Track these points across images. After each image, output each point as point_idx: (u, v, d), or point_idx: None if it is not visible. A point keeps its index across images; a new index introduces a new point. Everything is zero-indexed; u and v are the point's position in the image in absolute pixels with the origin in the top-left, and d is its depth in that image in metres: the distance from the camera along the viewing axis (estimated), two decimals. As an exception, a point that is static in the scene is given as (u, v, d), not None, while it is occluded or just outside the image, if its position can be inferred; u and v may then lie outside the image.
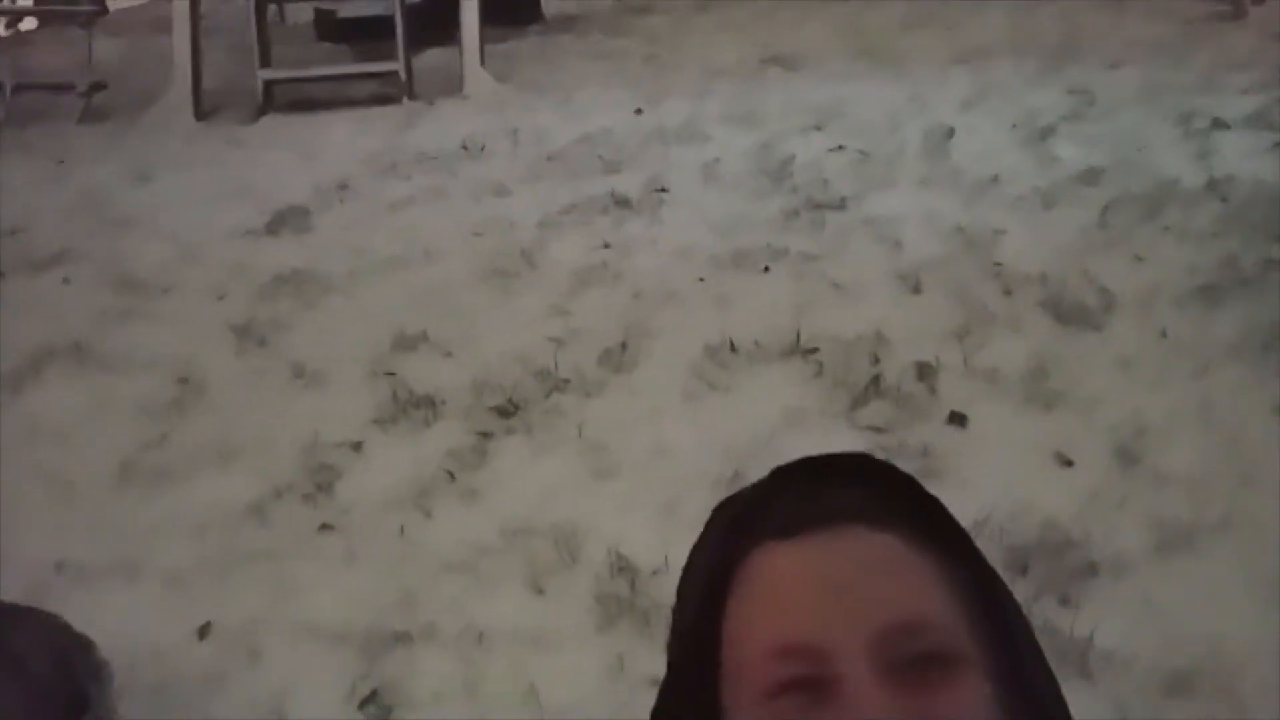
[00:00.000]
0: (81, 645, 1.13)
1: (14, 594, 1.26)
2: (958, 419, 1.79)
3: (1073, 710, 0.51)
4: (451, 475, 1.74)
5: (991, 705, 0.50)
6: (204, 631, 1.51)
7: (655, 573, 1.49)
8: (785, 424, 1.78)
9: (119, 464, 1.84)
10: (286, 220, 2.90)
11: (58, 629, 1.14)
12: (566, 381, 1.98)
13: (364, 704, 1.36)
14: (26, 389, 2.11)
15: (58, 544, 1.66)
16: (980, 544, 0.52)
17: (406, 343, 2.16)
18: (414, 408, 1.92)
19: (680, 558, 0.50)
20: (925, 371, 1.91)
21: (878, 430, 1.80)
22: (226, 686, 1.42)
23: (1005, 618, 0.53)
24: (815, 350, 2.00)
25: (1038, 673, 0.53)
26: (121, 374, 2.14)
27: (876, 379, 1.90)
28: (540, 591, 1.51)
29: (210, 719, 1.38)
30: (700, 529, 0.52)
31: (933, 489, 0.50)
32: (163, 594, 1.59)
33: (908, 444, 1.71)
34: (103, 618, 1.38)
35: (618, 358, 2.05)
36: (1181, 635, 1.34)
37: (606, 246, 2.59)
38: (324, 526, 1.67)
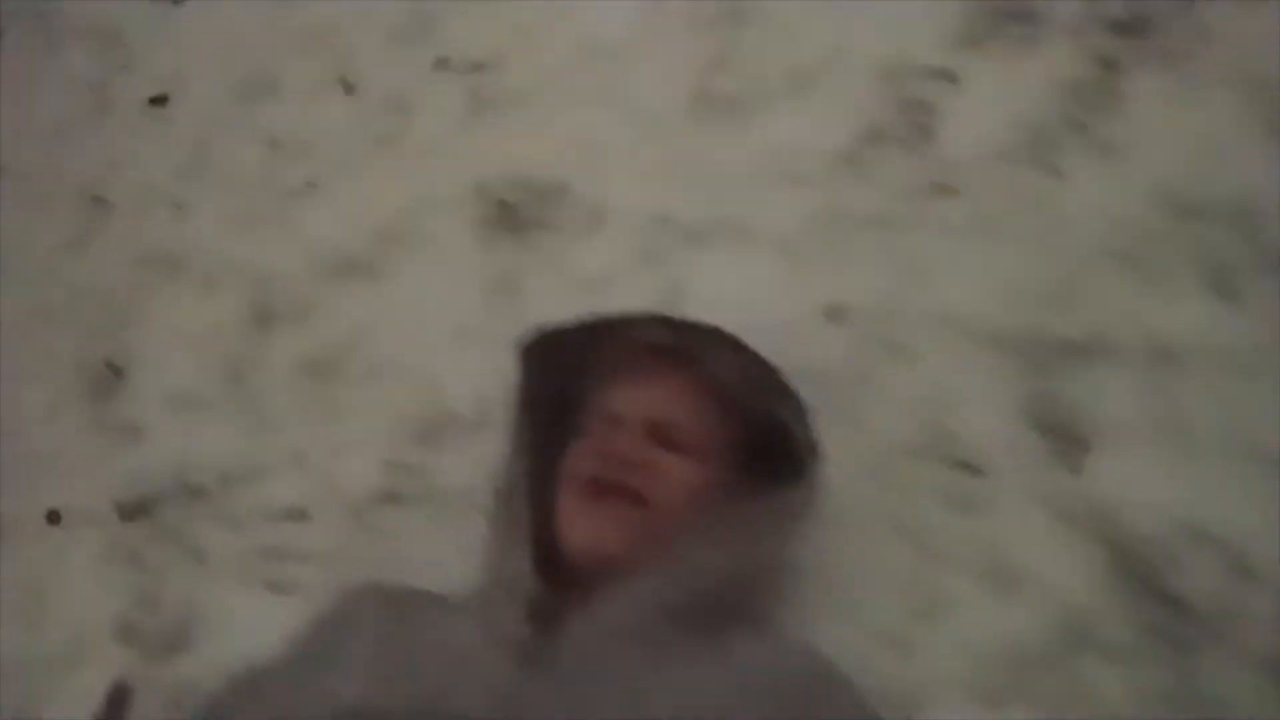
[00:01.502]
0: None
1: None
2: None
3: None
4: (1076, 122, 1.50)
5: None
6: (834, 313, 1.44)
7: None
8: None
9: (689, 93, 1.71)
10: None
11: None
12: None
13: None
14: None
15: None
16: None
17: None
18: (1012, 21, 1.64)
19: None
20: None
21: None
22: (870, 380, 1.37)
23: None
24: None
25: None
26: None
27: None
28: (1227, 295, 1.32)
29: (861, 415, 1.34)
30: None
31: None
32: (777, 261, 1.52)
33: None
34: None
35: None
36: None
37: None
38: (938, 187, 1.51)
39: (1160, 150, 1.42)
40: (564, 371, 1.25)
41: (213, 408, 1.57)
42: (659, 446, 1.11)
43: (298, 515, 1.43)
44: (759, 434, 1.16)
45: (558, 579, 1.08)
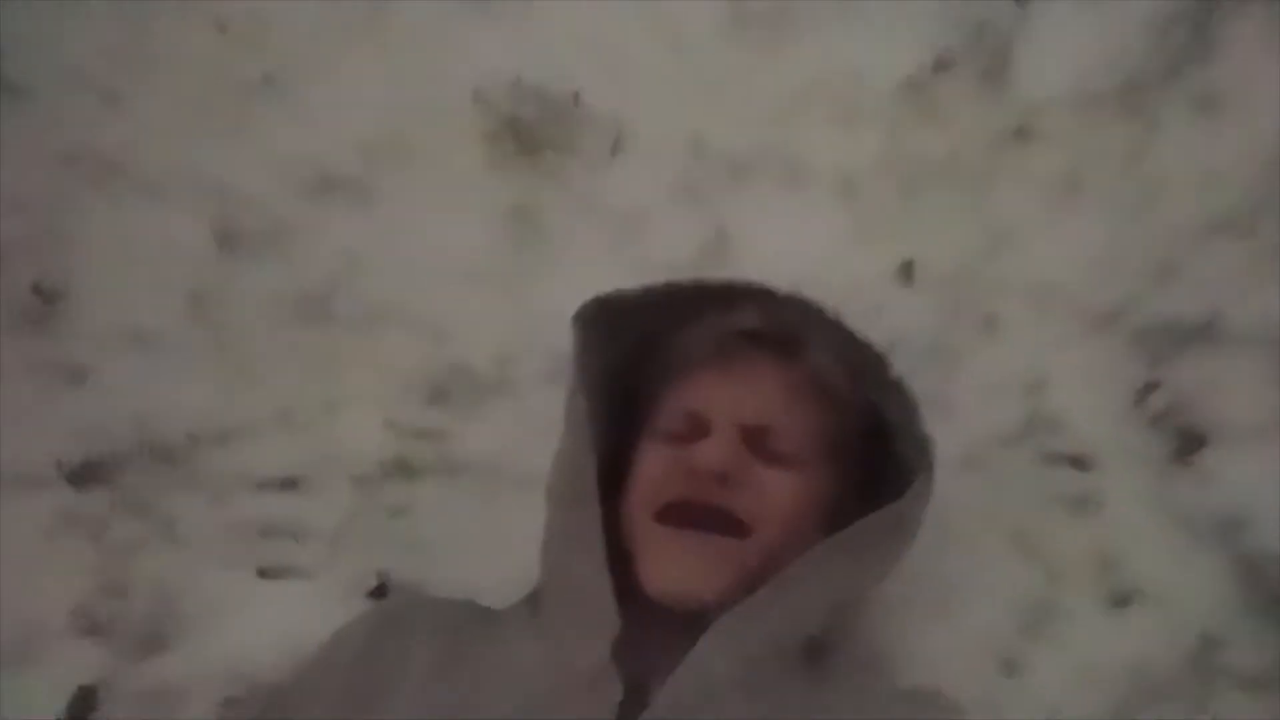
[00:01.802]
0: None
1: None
2: None
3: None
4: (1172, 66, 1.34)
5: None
6: (907, 274, 1.29)
7: None
8: None
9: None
10: None
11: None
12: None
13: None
14: None
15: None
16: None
17: None
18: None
19: None
20: None
21: None
22: (955, 357, 1.23)
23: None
24: None
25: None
26: None
27: None
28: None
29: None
30: None
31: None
32: (836, 207, 1.35)
33: None
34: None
35: None
36: None
37: None
38: (1018, 133, 1.35)
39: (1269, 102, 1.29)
40: (630, 350, 1.07)
41: (174, 348, 1.34)
42: (755, 457, 0.95)
43: (288, 485, 1.23)
44: (865, 434, 1.01)
45: (635, 602, 0.92)
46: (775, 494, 0.93)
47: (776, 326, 1.00)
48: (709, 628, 0.87)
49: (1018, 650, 1.02)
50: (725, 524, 0.91)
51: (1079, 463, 1.11)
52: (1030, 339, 1.19)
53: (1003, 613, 1.03)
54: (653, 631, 0.89)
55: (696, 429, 0.97)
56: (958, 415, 1.15)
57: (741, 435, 0.95)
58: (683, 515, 0.92)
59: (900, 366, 1.09)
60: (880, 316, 1.23)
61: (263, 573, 1.17)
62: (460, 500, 1.18)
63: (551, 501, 0.98)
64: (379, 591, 1.13)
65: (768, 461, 0.95)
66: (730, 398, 0.97)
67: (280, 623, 1.12)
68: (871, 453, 1.01)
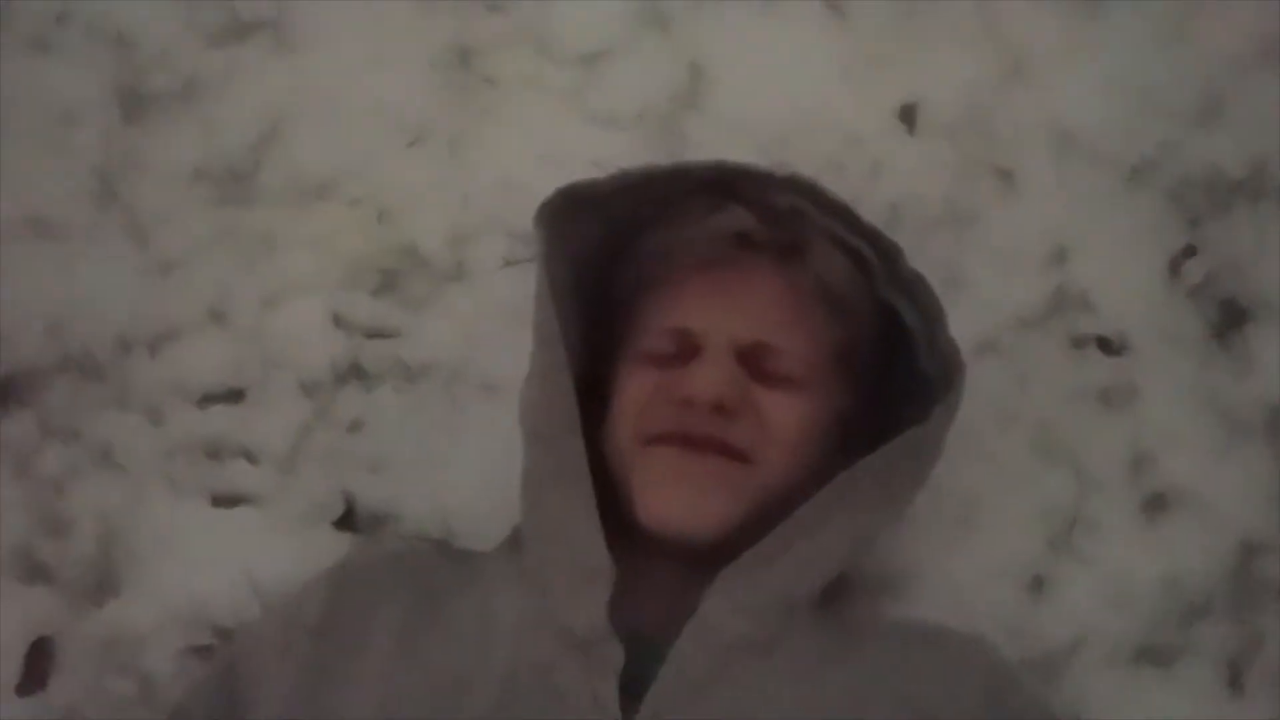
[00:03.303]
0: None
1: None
2: None
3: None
4: None
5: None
6: (909, 116, 1.13)
7: None
8: None
9: None
10: None
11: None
12: None
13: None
14: None
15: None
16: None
17: None
18: None
19: None
20: None
21: None
22: (968, 219, 1.09)
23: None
24: None
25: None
26: None
27: None
28: None
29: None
30: None
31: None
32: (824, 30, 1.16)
33: None
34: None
35: None
36: None
37: None
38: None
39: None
40: (602, 247, 0.93)
41: (83, 239, 1.18)
42: (753, 379, 0.83)
43: (233, 397, 1.11)
44: (878, 342, 0.89)
45: (629, 541, 0.83)
46: (778, 420, 0.82)
47: (774, 226, 0.86)
48: (717, 577, 0.77)
49: (1045, 566, 0.93)
50: (727, 454, 0.81)
51: (1109, 346, 1.00)
52: (1052, 198, 1.05)
53: (1028, 525, 0.94)
54: (650, 574, 0.80)
55: (685, 349, 0.85)
56: (971, 292, 1.03)
57: (737, 355, 0.83)
58: (680, 444, 0.82)
59: (904, 237, 0.96)
60: (880, 176, 1.09)
61: (216, 500, 1.07)
62: (423, 410, 1.07)
63: (527, 432, 0.86)
64: (346, 520, 1.04)
65: (768, 384, 0.83)
66: (723, 312, 0.84)
67: (240, 555, 1.03)
68: (887, 363, 0.89)
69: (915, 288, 0.88)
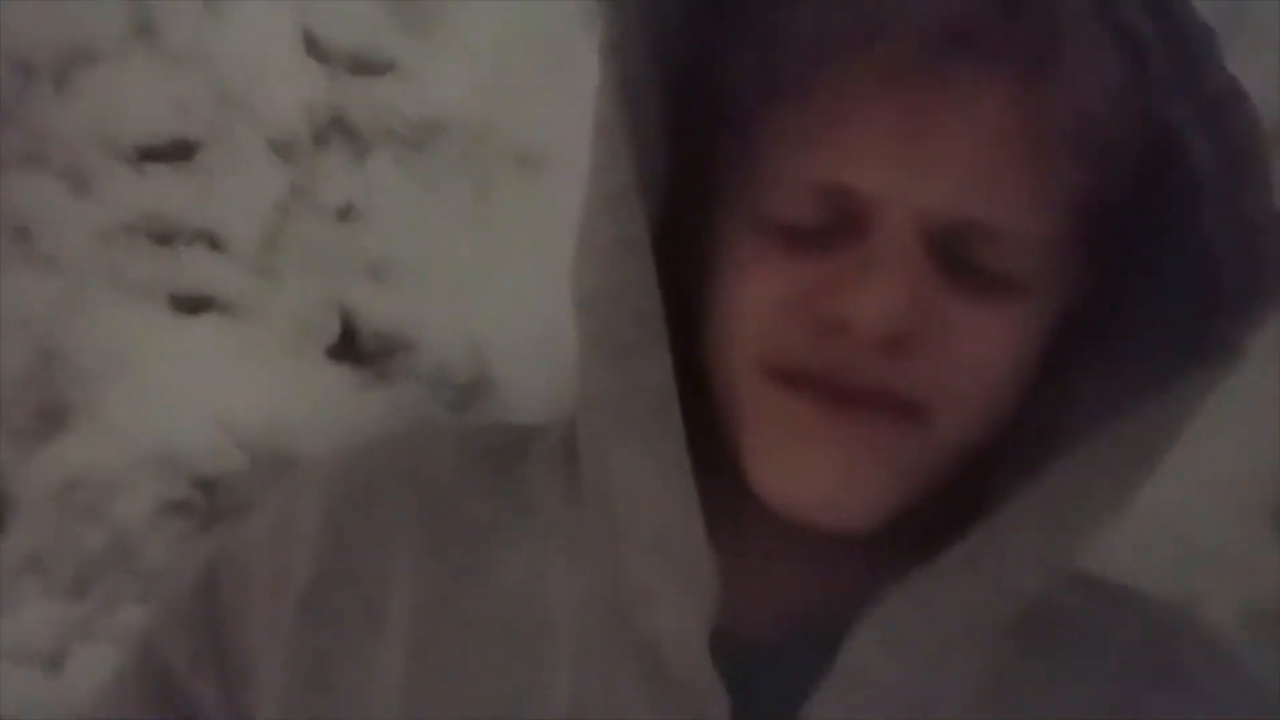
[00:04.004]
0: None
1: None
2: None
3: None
4: None
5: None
6: None
7: None
8: None
9: None
10: None
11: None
12: None
13: None
14: None
15: None
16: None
17: None
18: None
19: None
20: None
21: None
22: None
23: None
24: None
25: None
26: None
27: None
28: None
29: None
30: None
31: None
32: None
33: None
34: None
35: None
36: None
37: None
38: None
39: None
40: (700, 37, 0.54)
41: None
42: (950, 282, 0.49)
43: (181, 154, 0.81)
44: (1140, 188, 0.53)
45: (724, 498, 0.54)
46: (980, 355, 0.51)
47: (1010, 15, 0.48)
48: (908, 579, 0.52)
49: None
50: (894, 410, 0.51)
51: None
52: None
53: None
54: (752, 551, 0.54)
55: (843, 221, 0.49)
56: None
57: (928, 241, 0.49)
58: (824, 395, 0.51)
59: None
60: None
61: (176, 304, 0.80)
62: (434, 190, 0.75)
63: (584, 329, 0.54)
64: (344, 349, 0.77)
65: (972, 292, 0.50)
66: (916, 166, 0.48)
67: (211, 386, 0.79)
68: (1147, 229, 0.54)
69: (1224, 112, 0.50)
